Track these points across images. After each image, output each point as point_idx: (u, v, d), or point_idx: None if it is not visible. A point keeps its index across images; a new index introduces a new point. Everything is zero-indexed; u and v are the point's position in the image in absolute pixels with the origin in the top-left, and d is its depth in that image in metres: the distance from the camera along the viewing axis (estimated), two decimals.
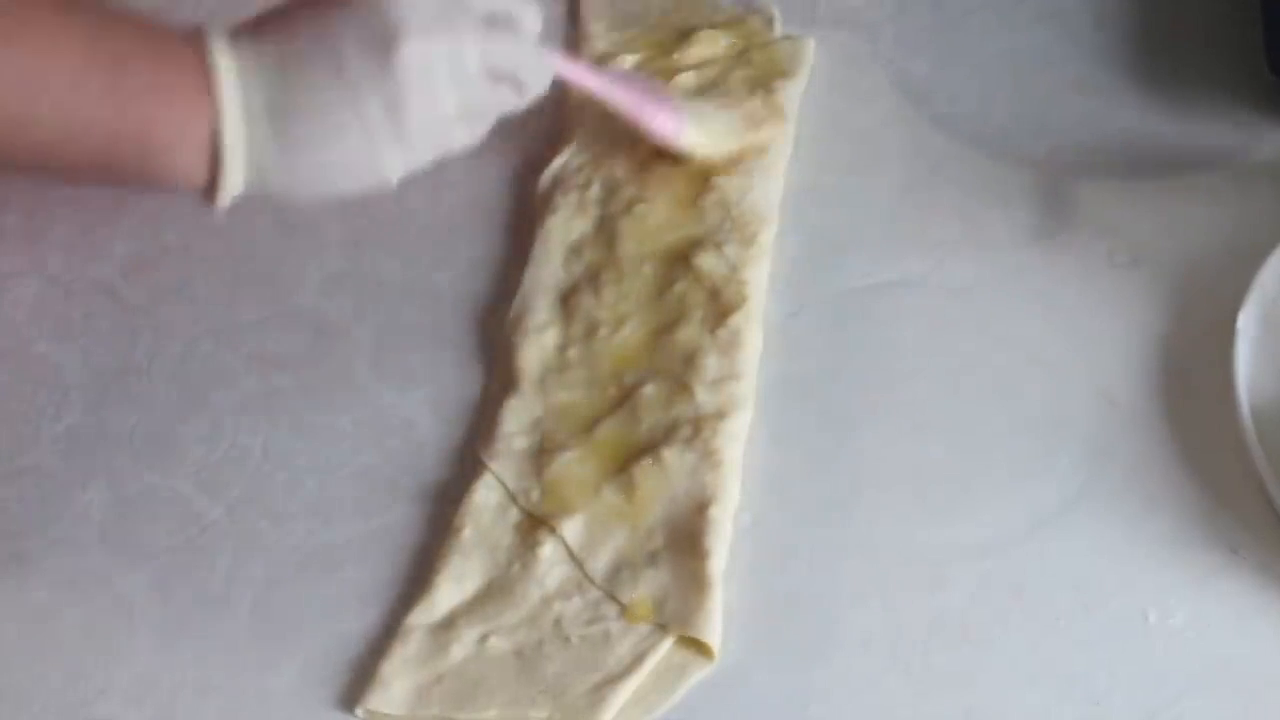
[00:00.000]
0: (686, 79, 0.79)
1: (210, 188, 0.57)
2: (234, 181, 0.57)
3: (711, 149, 0.74)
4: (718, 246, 0.71)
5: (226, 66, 0.56)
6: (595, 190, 0.75)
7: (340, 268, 0.74)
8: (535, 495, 0.65)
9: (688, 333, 0.69)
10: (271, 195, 0.58)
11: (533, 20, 0.63)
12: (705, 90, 0.78)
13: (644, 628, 0.60)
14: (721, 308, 0.69)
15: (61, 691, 0.61)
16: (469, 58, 0.59)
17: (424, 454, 0.67)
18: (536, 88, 0.63)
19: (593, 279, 0.71)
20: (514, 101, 0.63)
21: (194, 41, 0.56)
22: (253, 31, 0.58)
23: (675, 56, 0.80)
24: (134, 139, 0.55)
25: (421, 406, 0.69)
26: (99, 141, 0.55)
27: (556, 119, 0.79)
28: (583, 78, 0.71)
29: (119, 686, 0.61)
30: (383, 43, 0.56)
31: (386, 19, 0.57)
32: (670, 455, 0.65)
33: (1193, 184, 0.74)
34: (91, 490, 0.67)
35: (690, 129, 0.73)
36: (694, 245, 0.72)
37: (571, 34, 0.84)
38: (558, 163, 0.76)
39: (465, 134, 0.61)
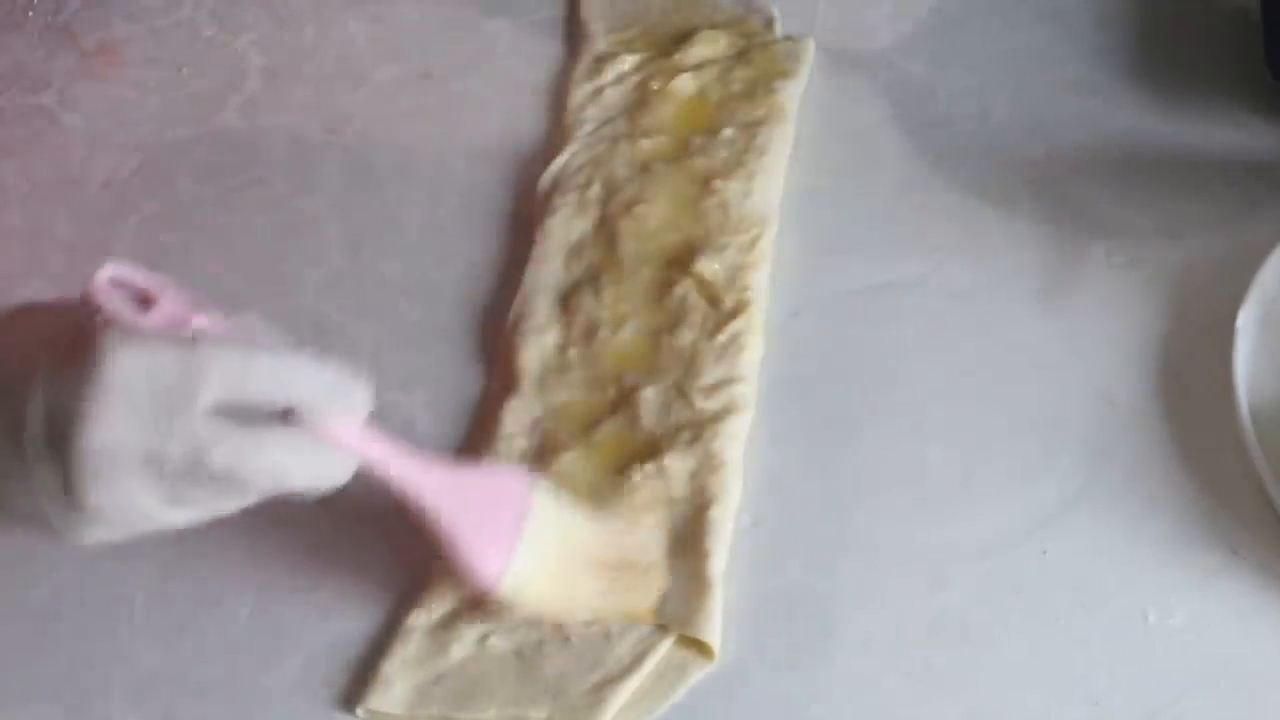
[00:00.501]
0: (686, 80, 0.79)
1: None
2: None
3: (542, 600, 0.59)
4: (718, 249, 0.71)
5: None
6: (595, 190, 0.75)
7: (340, 268, 0.74)
8: None
9: (688, 335, 0.69)
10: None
11: (343, 401, 0.52)
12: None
13: (644, 627, 0.60)
14: (722, 311, 0.69)
15: (61, 691, 0.61)
16: (167, 451, 0.47)
17: (424, 452, 0.67)
18: (313, 482, 0.51)
19: (593, 280, 0.71)
20: (262, 491, 0.51)
21: None
22: None
23: (675, 56, 0.80)
24: None
25: (421, 406, 0.69)
26: None
27: (557, 119, 0.80)
28: (393, 467, 0.55)
29: (119, 686, 0.61)
30: (65, 423, 0.47)
31: (75, 392, 0.47)
32: (670, 457, 0.65)
33: (1192, 184, 0.74)
34: None
35: (516, 578, 0.57)
36: (694, 247, 0.72)
37: (572, 34, 0.84)
38: (558, 163, 0.76)
39: (182, 520, 0.50)
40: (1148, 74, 0.79)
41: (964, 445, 0.66)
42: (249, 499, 0.51)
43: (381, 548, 0.64)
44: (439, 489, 0.56)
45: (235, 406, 0.48)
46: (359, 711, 0.59)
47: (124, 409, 0.47)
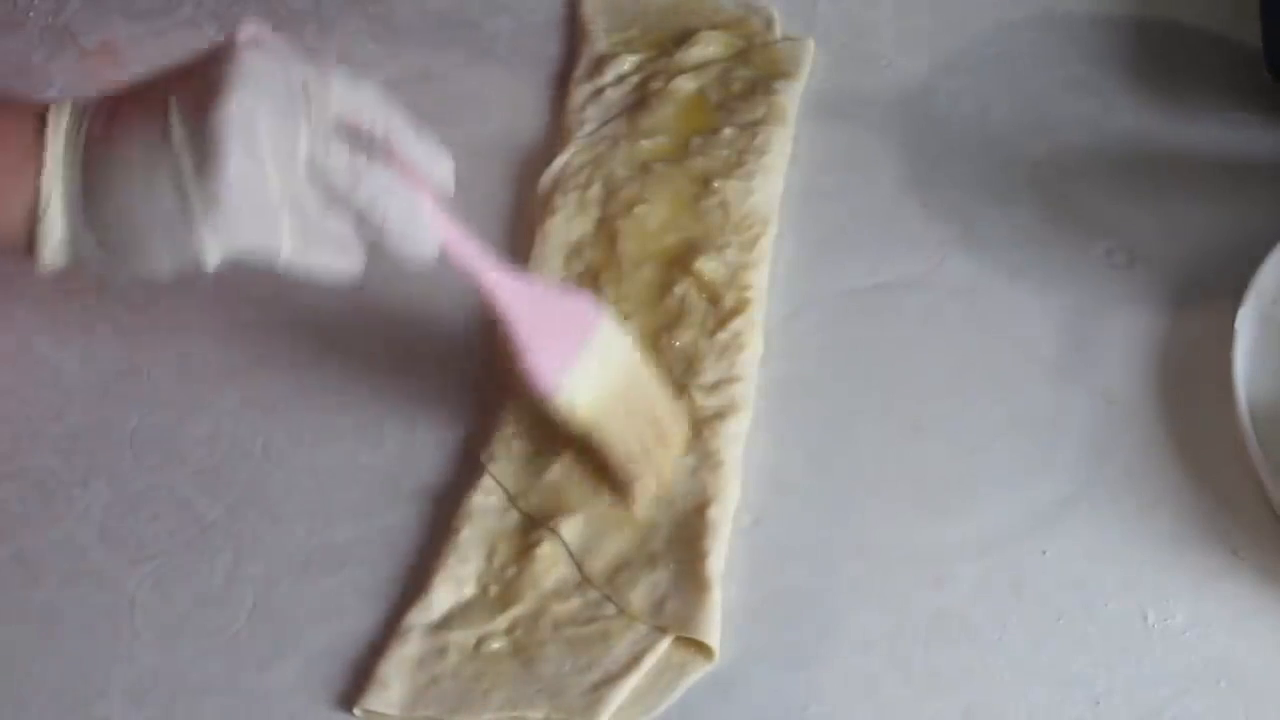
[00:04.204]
0: (686, 80, 0.79)
1: (33, 255, 0.57)
2: (51, 257, 0.57)
3: (590, 423, 0.62)
4: (718, 249, 0.71)
5: (54, 145, 0.55)
6: (595, 190, 0.75)
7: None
8: (534, 496, 0.65)
9: (688, 334, 0.69)
10: (93, 272, 0.58)
11: (433, 167, 0.58)
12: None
13: (642, 627, 0.61)
14: (722, 310, 0.69)
15: (61, 691, 0.61)
16: (297, 146, 0.54)
17: (424, 454, 0.67)
18: (408, 248, 0.58)
19: (593, 280, 0.71)
20: (368, 239, 0.57)
21: (37, 117, 0.56)
22: (109, 107, 0.56)
23: (675, 56, 0.80)
24: None
25: (422, 407, 0.69)
26: None
27: (557, 119, 0.79)
28: (474, 263, 0.60)
29: (119, 686, 0.61)
30: (205, 100, 0.53)
31: (215, 78, 0.54)
32: None
33: (1192, 184, 0.74)
34: (91, 490, 0.67)
35: (577, 385, 0.61)
36: (694, 247, 0.72)
37: (572, 34, 0.84)
38: (558, 163, 0.76)
39: (298, 249, 0.56)
40: (1148, 74, 0.79)
41: (964, 445, 0.66)
42: (350, 253, 0.57)
43: (381, 548, 0.65)
44: (514, 290, 0.61)
45: (350, 129, 0.55)
46: (357, 712, 0.59)
47: (258, 92, 0.53)
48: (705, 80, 0.79)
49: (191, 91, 0.54)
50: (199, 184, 0.53)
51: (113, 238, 0.56)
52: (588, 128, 0.78)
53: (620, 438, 0.62)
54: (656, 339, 0.69)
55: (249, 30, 0.56)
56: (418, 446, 0.68)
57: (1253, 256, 0.69)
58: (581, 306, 0.63)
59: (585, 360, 0.61)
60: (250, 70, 0.54)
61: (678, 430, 0.64)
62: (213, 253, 0.55)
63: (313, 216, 0.56)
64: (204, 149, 0.53)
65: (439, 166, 0.59)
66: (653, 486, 0.62)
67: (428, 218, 0.58)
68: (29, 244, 0.56)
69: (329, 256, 0.57)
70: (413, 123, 0.58)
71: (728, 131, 0.76)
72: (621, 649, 0.60)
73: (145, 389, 0.70)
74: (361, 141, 0.55)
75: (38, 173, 0.55)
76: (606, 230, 0.73)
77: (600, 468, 0.63)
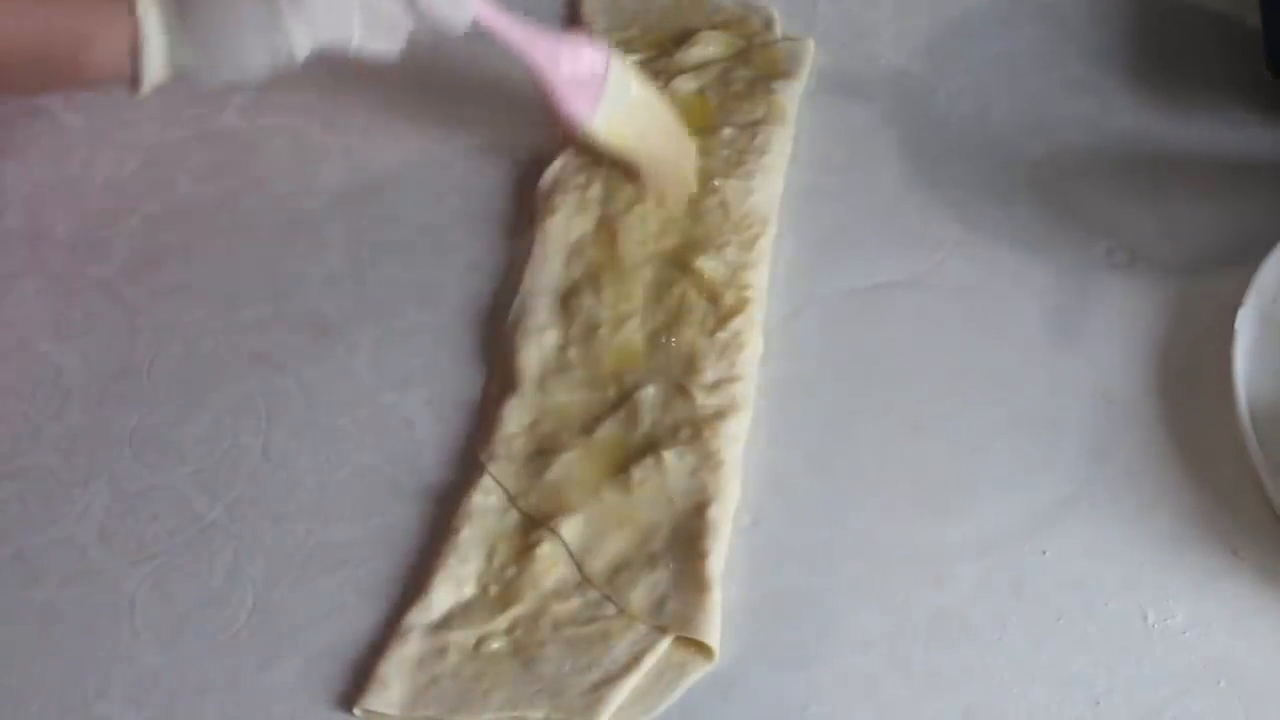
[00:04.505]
0: (686, 79, 0.79)
1: (135, 79, 0.64)
2: (154, 68, 0.64)
3: (621, 144, 0.73)
4: (718, 249, 0.71)
5: None
6: (595, 190, 0.75)
7: (340, 268, 0.74)
8: (534, 496, 0.65)
9: (688, 334, 0.69)
10: (192, 78, 0.65)
11: None
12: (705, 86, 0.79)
13: (642, 627, 0.61)
14: (722, 310, 0.69)
15: (61, 691, 0.61)
16: None
17: (424, 454, 0.67)
18: (448, 17, 0.67)
19: (593, 280, 0.71)
20: (418, 22, 0.67)
21: None
22: None
23: (675, 56, 0.80)
24: (63, 34, 0.63)
25: (421, 407, 0.69)
26: (31, 39, 0.62)
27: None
28: (505, 29, 0.71)
29: (119, 686, 0.61)
30: None
31: None
32: (670, 456, 0.65)
33: (1192, 184, 0.74)
34: (91, 490, 0.67)
35: (603, 117, 0.72)
36: (694, 247, 0.72)
37: None
38: (558, 163, 0.76)
39: (364, 35, 0.66)
40: (1147, 74, 0.79)
41: (964, 444, 0.66)
42: (399, 31, 0.67)
43: (381, 548, 0.65)
44: (540, 46, 0.71)
45: None
46: (356, 711, 0.59)
47: None
48: (705, 80, 0.79)
49: None
50: None
51: (211, 47, 0.64)
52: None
53: (648, 152, 0.73)
54: (656, 338, 0.69)
55: None
56: (418, 446, 0.68)
57: (1253, 256, 0.69)
58: (592, 49, 0.72)
59: (607, 94, 0.72)
60: None
61: (689, 144, 0.75)
62: (302, 47, 0.65)
63: (374, 3, 0.65)
64: None
65: None
66: (687, 186, 0.73)
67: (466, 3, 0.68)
68: (131, 68, 0.64)
69: (384, 40, 0.67)
70: None
71: (728, 131, 0.76)
72: (621, 649, 0.60)
73: (145, 389, 0.70)
74: None
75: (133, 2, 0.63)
76: (606, 230, 0.73)
77: (637, 179, 0.74)
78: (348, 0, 0.65)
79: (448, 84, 0.83)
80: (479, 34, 0.70)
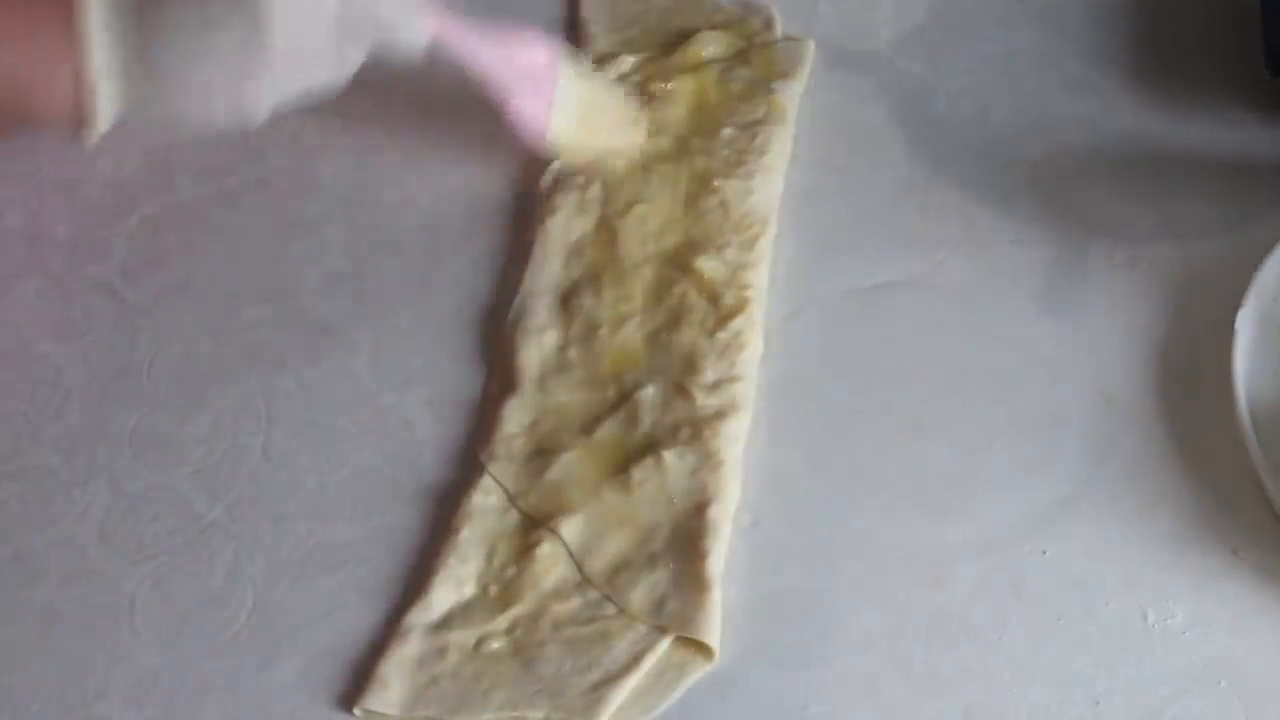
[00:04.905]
0: (686, 80, 0.79)
1: (85, 122, 0.60)
2: (103, 115, 0.59)
3: (576, 145, 0.73)
4: (718, 249, 0.71)
5: (99, 12, 0.58)
6: (595, 190, 0.75)
7: (340, 268, 0.74)
8: (534, 496, 0.65)
9: (687, 334, 0.69)
10: (144, 126, 0.62)
11: None
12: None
13: (642, 627, 0.61)
14: (722, 310, 0.69)
15: (61, 691, 0.61)
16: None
17: (423, 454, 0.67)
18: (405, 40, 0.64)
19: (593, 280, 0.71)
20: (379, 46, 0.64)
21: None
22: None
23: (675, 56, 0.80)
24: (5, 76, 0.59)
25: (421, 407, 0.69)
26: None
27: None
28: (459, 42, 0.68)
29: (119, 686, 0.61)
30: None
31: None
32: (670, 456, 0.65)
33: (1192, 184, 0.74)
34: (91, 490, 0.67)
35: (558, 123, 0.71)
36: (694, 247, 0.72)
37: (572, 34, 0.84)
38: (558, 163, 0.76)
39: (327, 72, 0.62)
40: (1147, 74, 0.79)
41: (964, 444, 0.66)
42: (352, 62, 0.63)
43: (381, 548, 0.65)
44: (489, 61, 0.69)
45: None
46: (356, 712, 0.59)
47: None
48: (705, 80, 0.79)
49: None
50: (248, 47, 0.58)
51: (167, 97, 0.59)
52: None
53: (600, 142, 0.73)
54: (656, 338, 0.69)
55: None
56: (418, 446, 0.68)
57: (1253, 256, 0.69)
58: (545, 52, 0.71)
59: (559, 98, 0.71)
60: None
61: (636, 118, 0.75)
62: (264, 106, 0.61)
63: (336, 48, 0.61)
64: (252, 14, 0.57)
65: None
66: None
67: (419, 16, 0.64)
68: (80, 112, 0.59)
69: (339, 73, 0.63)
70: None
71: (728, 131, 0.76)
72: (621, 649, 0.60)
73: (145, 389, 0.70)
74: None
75: (84, 40, 0.57)
76: (606, 230, 0.73)
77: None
78: (311, 54, 0.61)
79: (448, 84, 0.82)
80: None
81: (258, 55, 0.59)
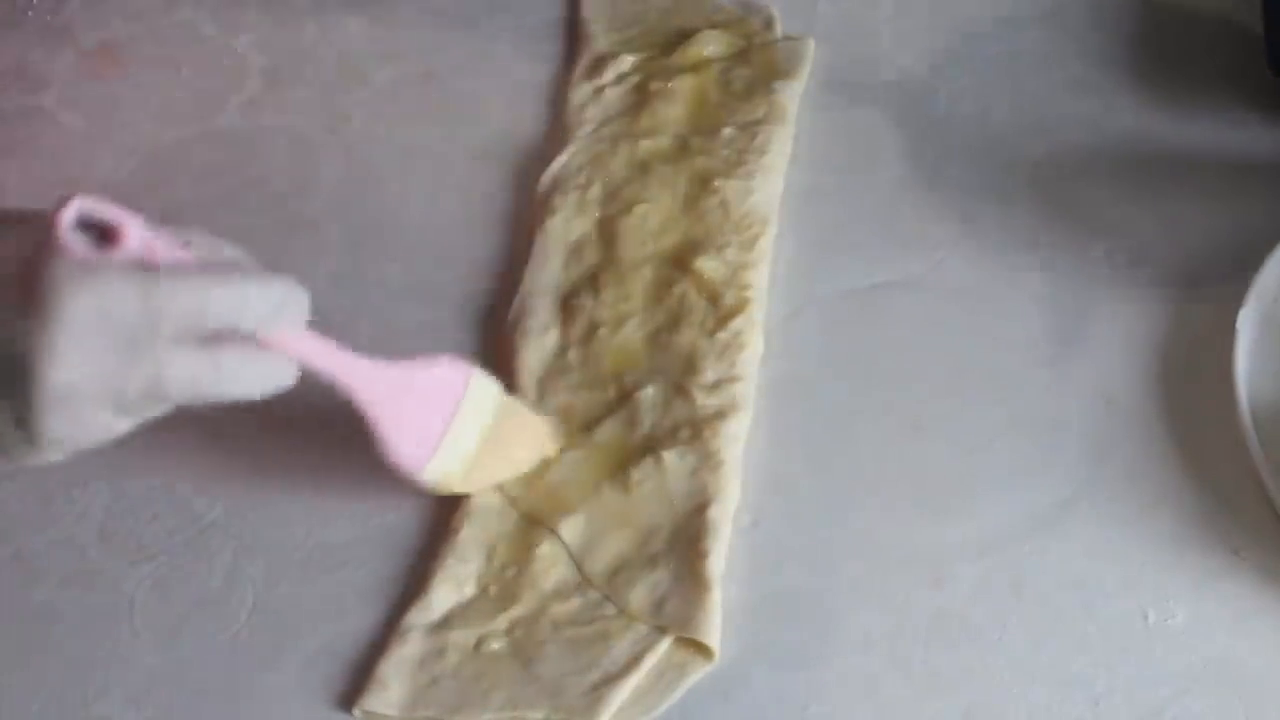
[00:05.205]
0: (686, 80, 0.79)
1: None
2: None
3: (463, 479, 0.63)
4: (718, 249, 0.71)
5: None
6: (595, 191, 0.75)
7: (340, 268, 0.74)
8: (534, 496, 0.65)
9: (688, 334, 0.69)
10: None
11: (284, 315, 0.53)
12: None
13: (642, 627, 0.60)
14: (722, 310, 0.69)
15: (61, 691, 0.61)
16: (127, 387, 0.49)
17: None
18: (255, 389, 0.52)
19: (593, 280, 0.71)
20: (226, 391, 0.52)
21: None
22: None
23: (675, 56, 0.80)
24: None
25: None
26: None
27: (557, 119, 0.79)
28: (331, 366, 0.57)
29: (119, 686, 0.61)
30: (20, 366, 0.47)
31: (32, 332, 0.47)
32: (670, 456, 0.65)
33: (1193, 184, 0.74)
34: (91, 490, 0.67)
35: (442, 459, 0.61)
36: (694, 247, 0.72)
37: (571, 34, 0.84)
38: (558, 163, 0.76)
39: (132, 424, 0.52)
40: (1148, 74, 0.79)
41: (964, 445, 0.66)
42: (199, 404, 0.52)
43: (381, 548, 0.64)
44: (370, 383, 0.58)
45: (191, 332, 0.49)
46: (356, 712, 0.59)
47: (83, 348, 0.47)
48: (705, 80, 0.79)
49: (8, 337, 0.47)
50: (19, 435, 0.49)
51: None
52: (588, 128, 0.78)
53: (500, 475, 0.64)
54: (656, 339, 0.69)
55: (69, 220, 0.49)
56: None
57: (1253, 256, 0.69)
58: (448, 376, 0.61)
59: (455, 428, 0.61)
60: (69, 323, 0.47)
61: (551, 440, 0.66)
62: (38, 464, 0.51)
63: (149, 410, 0.51)
64: (25, 413, 0.48)
65: (297, 307, 0.54)
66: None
67: (280, 363, 0.53)
68: None
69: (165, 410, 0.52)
70: (260, 281, 0.53)
71: (728, 131, 0.76)
72: (621, 649, 0.60)
73: None
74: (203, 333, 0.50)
75: None
76: (606, 230, 0.73)
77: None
78: (95, 421, 0.50)
79: (448, 83, 0.83)
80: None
81: (22, 440, 0.49)
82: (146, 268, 0.50)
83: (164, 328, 0.48)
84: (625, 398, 0.67)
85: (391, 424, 0.59)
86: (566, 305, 0.71)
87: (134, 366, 0.48)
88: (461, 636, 0.61)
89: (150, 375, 0.49)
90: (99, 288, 0.47)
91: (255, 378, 0.52)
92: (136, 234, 0.51)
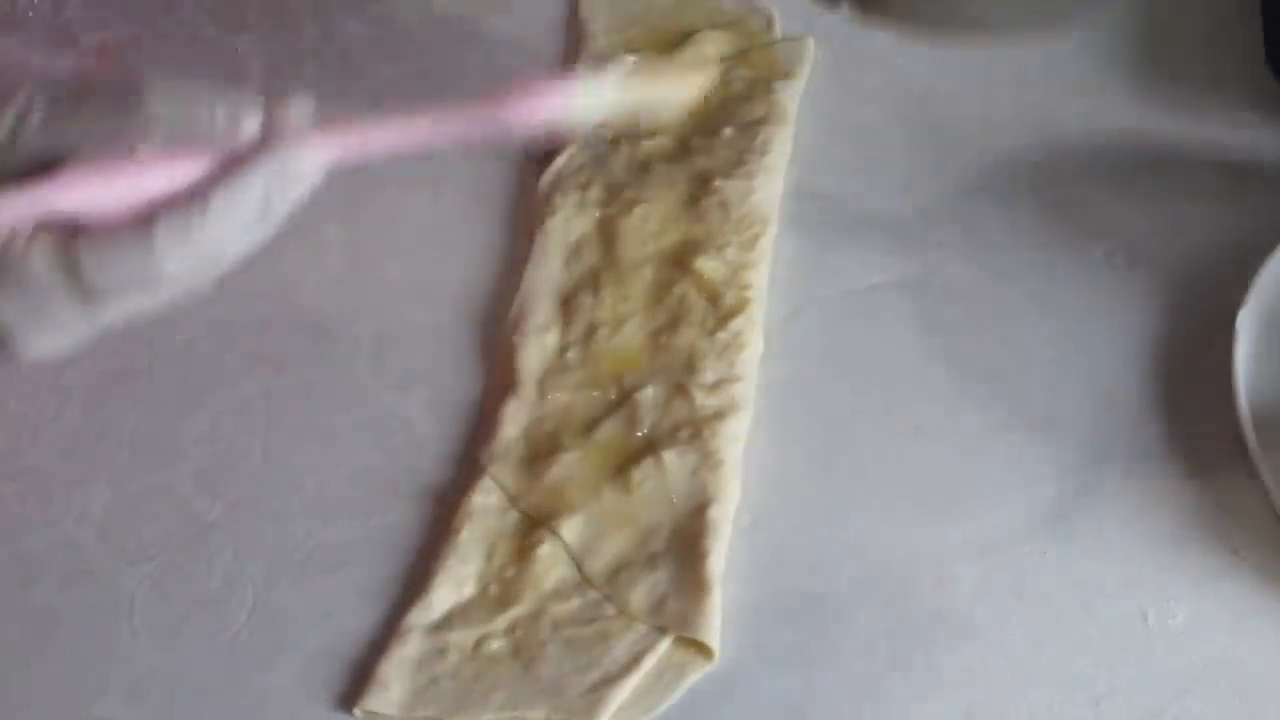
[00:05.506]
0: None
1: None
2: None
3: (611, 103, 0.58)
4: (718, 248, 0.71)
5: None
6: (595, 191, 0.75)
7: (340, 268, 0.74)
8: (534, 497, 0.65)
9: (688, 334, 0.69)
10: None
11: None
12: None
13: (642, 627, 0.60)
14: (722, 310, 0.69)
15: (61, 691, 0.61)
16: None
17: (423, 455, 0.67)
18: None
19: (593, 280, 0.71)
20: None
21: None
22: None
23: (675, 57, 0.80)
24: None
25: (421, 407, 0.69)
26: None
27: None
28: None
29: (119, 686, 0.61)
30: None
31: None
32: (670, 456, 0.65)
33: (1193, 184, 0.74)
34: (91, 490, 0.67)
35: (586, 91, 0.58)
36: (694, 247, 0.72)
37: (571, 34, 0.84)
38: (558, 163, 0.76)
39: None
40: (1147, 74, 0.79)
41: (964, 445, 0.66)
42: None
43: (381, 548, 0.64)
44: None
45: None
46: (356, 712, 0.59)
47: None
48: (705, 81, 0.79)
49: None
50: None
51: None
52: (588, 128, 0.78)
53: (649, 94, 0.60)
54: (656, 339, 0.69)
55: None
56: (418, 447, 0.68)
57: (1253, 256, 0.69)
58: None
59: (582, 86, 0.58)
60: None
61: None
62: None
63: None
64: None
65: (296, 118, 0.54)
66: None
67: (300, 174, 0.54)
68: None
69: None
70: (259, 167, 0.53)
71: (728, 131, 0.76)
72: (621, 649, 0.60)
73: (145, 389, 0.70)
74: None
75: None
76: (606, 230, 0.73)
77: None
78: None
79: (448, 83, 0.83)
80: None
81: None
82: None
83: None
84: (625, 398, 0.67)
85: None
86: (566, 305, 0.71)
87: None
88: (461, 636, 0.61)
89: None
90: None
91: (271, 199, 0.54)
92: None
